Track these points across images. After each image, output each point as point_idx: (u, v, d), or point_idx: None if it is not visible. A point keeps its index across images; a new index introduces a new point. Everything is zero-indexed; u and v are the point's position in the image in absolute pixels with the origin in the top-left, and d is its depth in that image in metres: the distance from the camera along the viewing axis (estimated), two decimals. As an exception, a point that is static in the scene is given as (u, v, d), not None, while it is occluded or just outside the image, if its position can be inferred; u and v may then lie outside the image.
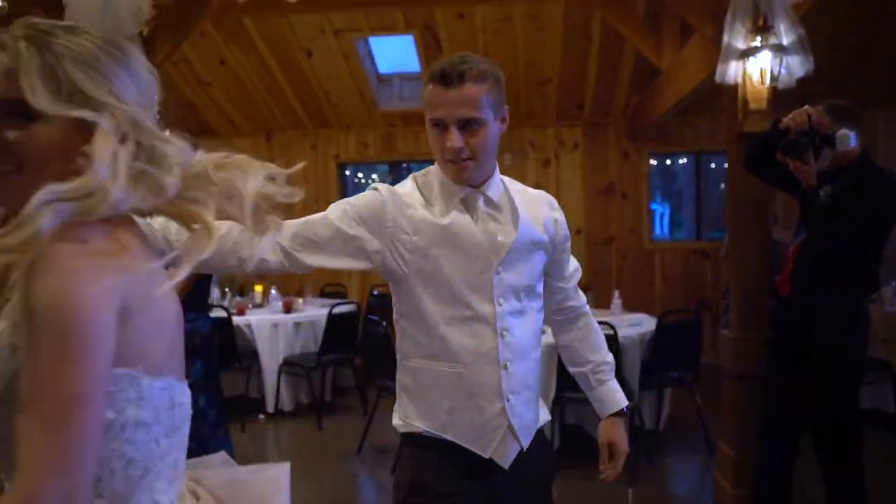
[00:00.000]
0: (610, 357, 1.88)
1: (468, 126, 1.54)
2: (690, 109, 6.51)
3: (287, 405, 5.72)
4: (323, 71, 6.97)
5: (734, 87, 3.56)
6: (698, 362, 4.77)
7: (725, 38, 3.48)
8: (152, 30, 4.00)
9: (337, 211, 1.60)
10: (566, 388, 4.23)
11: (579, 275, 1.86)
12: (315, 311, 5.82)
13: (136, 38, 3.90)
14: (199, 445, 3.16)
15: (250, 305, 5.93)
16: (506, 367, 1.61)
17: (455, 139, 1.53)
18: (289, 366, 5.63)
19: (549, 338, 1.96)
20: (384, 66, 7.59)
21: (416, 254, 1.58)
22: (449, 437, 1.61)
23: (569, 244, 1.80)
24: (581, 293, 1.88)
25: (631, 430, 4.42)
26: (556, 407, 4.40)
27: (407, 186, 1.67)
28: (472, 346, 1.58)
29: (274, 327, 5.65)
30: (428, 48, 6.65)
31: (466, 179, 1.60)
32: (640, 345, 4.60)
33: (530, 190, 1.78)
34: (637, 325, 4.78)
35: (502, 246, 1.61)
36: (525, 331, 1.65)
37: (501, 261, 1.61)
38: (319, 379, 5.85)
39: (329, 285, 7.71)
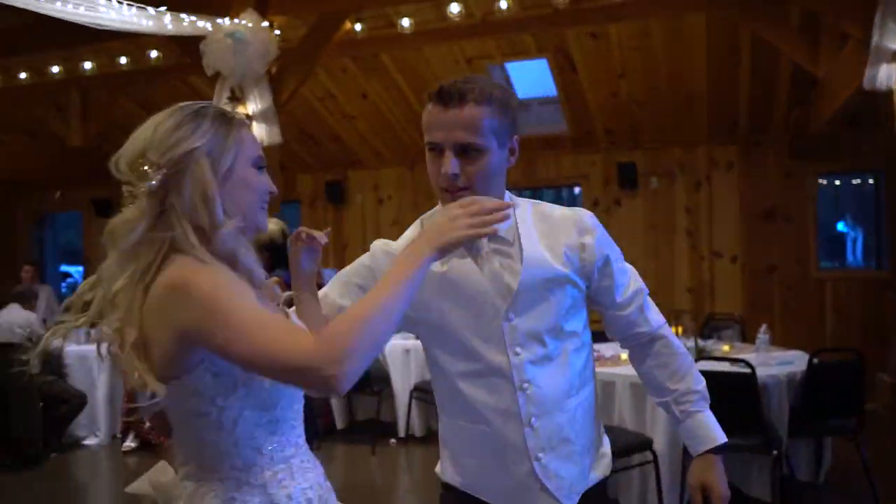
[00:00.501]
0: (700, 385, 1.60)
1: (466, 152, 1.39)
2: (861, 121, 5.82)
3: (418, 431, 5.73)
4: (460, 99, 7.03)
5: (889, 93, 3.11)
6: (862, 409, 4.16)
7: (875, 39, 3.05)
8: (279, 69, 4.24)
9: (336, 285, 1.55)
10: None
11: (642, 296, 1.59)
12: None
13: (265, 78, 4.14)
14: None
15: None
16: (530, 424, 1.44)
17: (450, 165, 1.39)
18: (419, 392, 5.65)
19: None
20: (522, 91, 7.53)
21: (418, 309, 1.44)
22: (484, 498, 1.48)
23: (617, 266, 1.55)
24: (652, 313, 1.60)
25: (780, 480, 3.98)
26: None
27: (409, 232, 1.59)
28: (492, 403, 1.44)
29: (406, 353, 5.71)
30: (562, 71, 6.50)
31: None
32: (789, 386, 4.10)
33: (557, 212, 1.55)
34: (788, 364, 4.27)
35: (508, 290, 1.43)
36: (554, 379, 1.47)
37: (510, 306, 1.43)
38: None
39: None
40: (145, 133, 1.18)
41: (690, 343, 4.77)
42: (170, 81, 6.86)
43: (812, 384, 4.04)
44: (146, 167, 1.15)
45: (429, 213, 1.61)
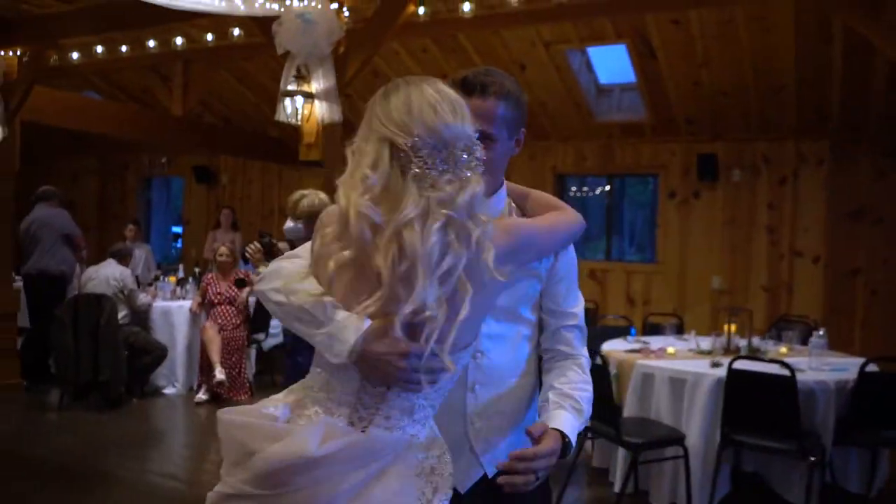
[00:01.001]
0: (586, 406, 1.56)
1: (480, 139, 1.47)
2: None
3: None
4: (537, 83, 7.03)
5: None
6: (921, 422, 3.96)
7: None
8: (345, 49, 4.42)
9: None
10: (739, 431, 3.80)
11: (579, 317, 1.63)
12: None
13: (330, 58, 4.34)
14: None
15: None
16: (473, 390, 1.54)
17: None
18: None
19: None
20: (604, 76, 7.43)
21: None
22: None
23: (574, 282, 1.61)
24: (583, 345, 1.62)
25: (823, 489, 3.86)
26: (729, 451, 3.96)
27: None
28: None
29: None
30: (642, 57, 6.38)
31: None
32: (839, 393, 3.95)
33: None
34: (841, 371, 4.11)
35: None
36: (504, 356, 1.56)
37: None
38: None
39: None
40: None
41: (744, 342, 4.66)
42: (261, 56, 7.20)
43: (862, 392, 3.88)
44: None
45: None
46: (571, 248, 1.65)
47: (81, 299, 5.75)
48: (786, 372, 3.62)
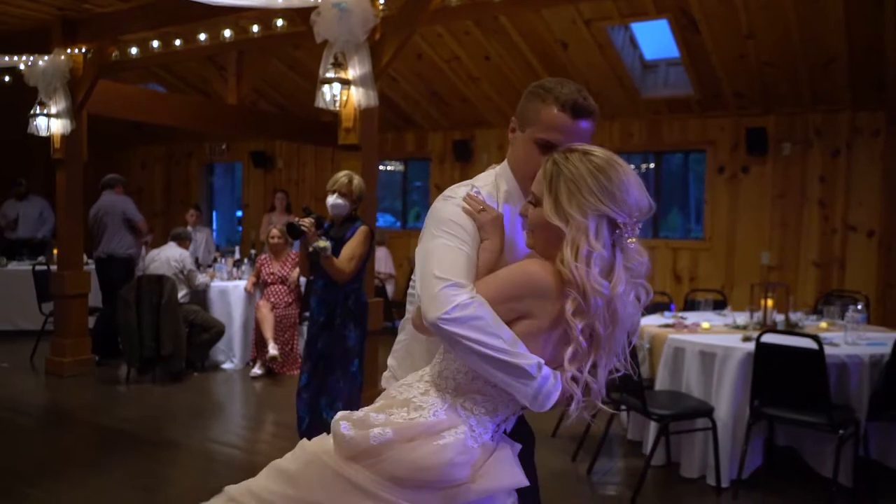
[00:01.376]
0: None
1: (552, 148, 1.62)
2: None
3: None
4: (580, 61, 7.03)
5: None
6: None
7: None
8: (380, 36, 4.56)
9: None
10: (768, 405, 3.82)
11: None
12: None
13: (365, 45, 4.50)
14: (347, 405, 3.62)
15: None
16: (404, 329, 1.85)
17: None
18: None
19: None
20: (650, 52, 7.36)
21: None
22: None
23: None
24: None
25: (858, 463, 3.85)
26: (762, 425, 3.99)
27: (489, 179, 1.77)
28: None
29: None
30: (685, 32, 6.30)
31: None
32: (873, 368, 3.91)
33: None
34: (878, 346, 4.06)
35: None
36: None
37: None
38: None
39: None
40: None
41: (780, 317, 4.64)
42: (309, 44, 7.42)
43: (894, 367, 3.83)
44: None
45: (496, 168, 1.79)
46: None
47: (144, 280, 6.13)
48: (814, 345, 3.62)
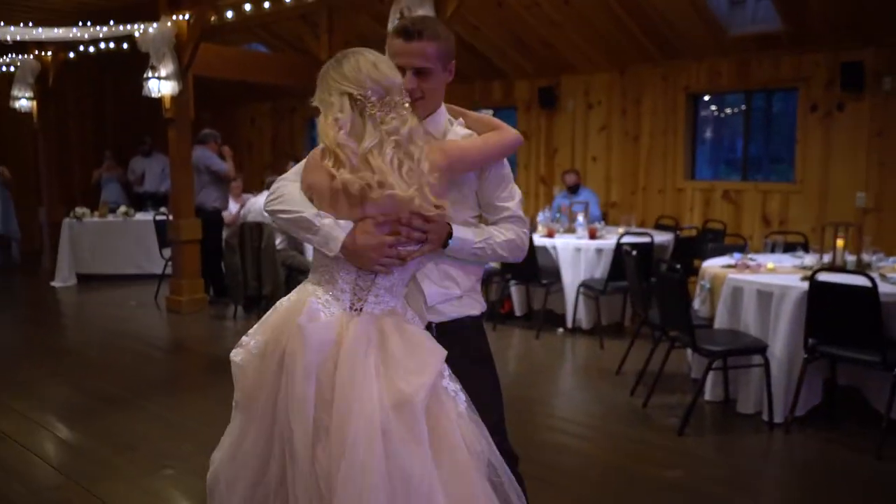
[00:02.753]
0: (490, 234, 1.99)
1: (421, 73, 1.90)
2: None
3: (585, 324, 6.21)
4: (662, 1, 6.89)
5: None
6: None
7: None
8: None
9: None
10: (823, 343, 3.85)
11: (513, 209, 2.04)
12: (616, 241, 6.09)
13: (430, -1, 4.71)
14: None
15: (560, 230, 6.51)
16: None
17: (408, 82, 1.88)
18: (586, 287, 6.09)
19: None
20: (738, -13, 7.09)
21: None
22: None
23: (500, 181, 2.01)
24: (517, 227, 2.05)
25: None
26: (820, 364, 4.01)
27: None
28: None
29: (577, 251, 6.14)
30: (770, -36, 6.04)
31: (418, 116, 1.91)
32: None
33: (462, 131, 1.99)
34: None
35: None
36: None
37: None
38: (617, 302, 6.22)
39: (665, 217, 7.78)
40: None
41: (853, 257, 4.57)
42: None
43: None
44: None
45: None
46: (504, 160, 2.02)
47: (245, 227, 6.73)
48: (867, 283, 3.61)
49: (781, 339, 4.03)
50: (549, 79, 8.87)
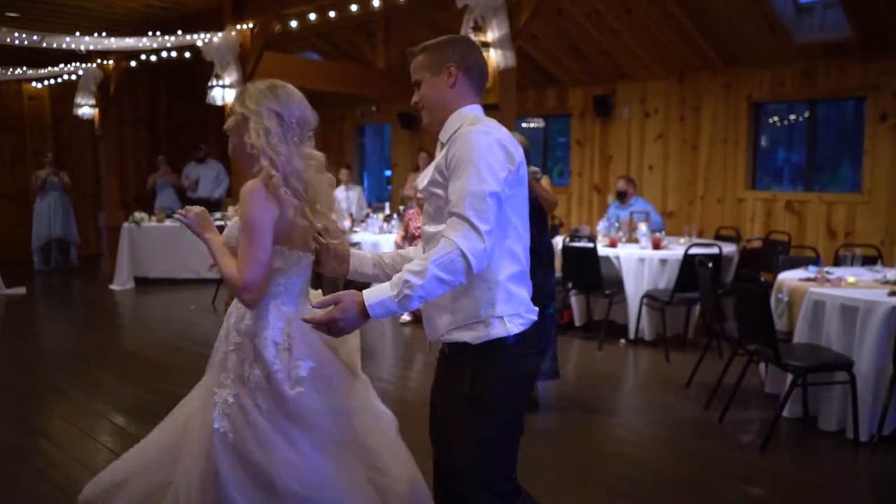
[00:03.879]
0: (408, 277, 1.76)
1: (417, 86, 2.03)
2: None
3: (648, 335, 6.12)
4: (725, 6, 6.80)
5: None
6: None
7: None
8: (518, -3, 4.75)
9: None
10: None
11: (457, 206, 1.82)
12: (681, 251, 6.00)
13: (503, 7, 4.70)
14: (545, 344, 4.06)
15: (623, 239, 6.43)
16: None
17: (414, 96, 2.05)
18: (650, 298, 6.01)
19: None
20: (805, -6, 6.96)
21: None
22: None
23: (455, 172, 1.86)
24: (451, 228, 1.81)
25: None
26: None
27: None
28: None
29: (640, 261, 6.07)
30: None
31: (427, 123, 2.04)
32: None
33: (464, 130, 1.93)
34: None
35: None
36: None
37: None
38: (681, 314, 6.12)
39: (725, 227, 7.64)
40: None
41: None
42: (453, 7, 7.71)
43: None
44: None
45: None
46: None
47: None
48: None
49: (868, 356, 3.91)
50: (604, 86, 8.80)
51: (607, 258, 6.13)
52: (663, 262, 6.06)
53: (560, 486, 3.49)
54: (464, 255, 1.74)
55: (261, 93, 2.03)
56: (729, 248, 6.38)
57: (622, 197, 7.43)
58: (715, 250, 5.72)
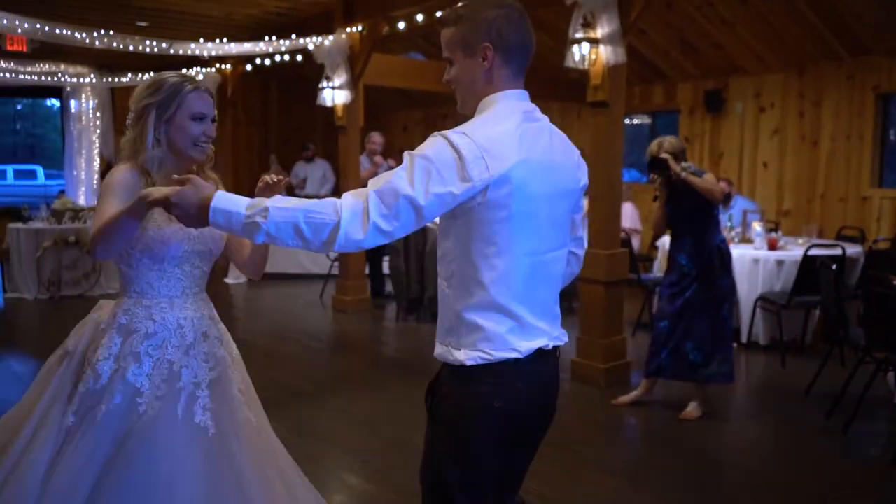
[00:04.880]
0: (276, 210, 1.57)
1: (450, 63, 1.75)
2: None
3: (762, 339, 5.86)
4: (853, -5, 6.41)
5: None
6: None
7: None
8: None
9: None
10: None
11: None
12: (800, 252, 5.70)
13: (614, 3, 4.62)
14: (715, 347, 4.07)
15: (736, 240, 6.18)
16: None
17: (445, 73, 1.76)
18: (765, 301, 5.74)
19: None
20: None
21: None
22: None
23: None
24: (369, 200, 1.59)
25: None
26: None
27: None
28: None
29: (755, 262, 5.81)
30: None
31: (460, 107, 1.78)
32: None
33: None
34: None
35: None
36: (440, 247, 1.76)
37: None
38: (799, 318, 5.83)
39: (848, 227, 7.20)
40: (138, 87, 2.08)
41: None
42: (556, 4, 7.62)
43: None
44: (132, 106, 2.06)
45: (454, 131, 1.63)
46: None
47: (411, 230, 6.91)
48: None
49: None
50: (715, 81, 8.48)
51: (719, 259, 5.90)
52: (780, 262, 5.79)
53: (671, 491, 3.40)
54: (338, 228, 1.50)
55: None
56: (853, 249, 6.01)
57: (725, 200, 7.13)
58: (838, 251, 5.40)
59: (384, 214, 1.52)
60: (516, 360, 1.66)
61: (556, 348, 1.77)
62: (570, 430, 4.18)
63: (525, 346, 1.67)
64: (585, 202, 1.96)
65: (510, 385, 1.67)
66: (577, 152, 1.86)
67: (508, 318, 1.66)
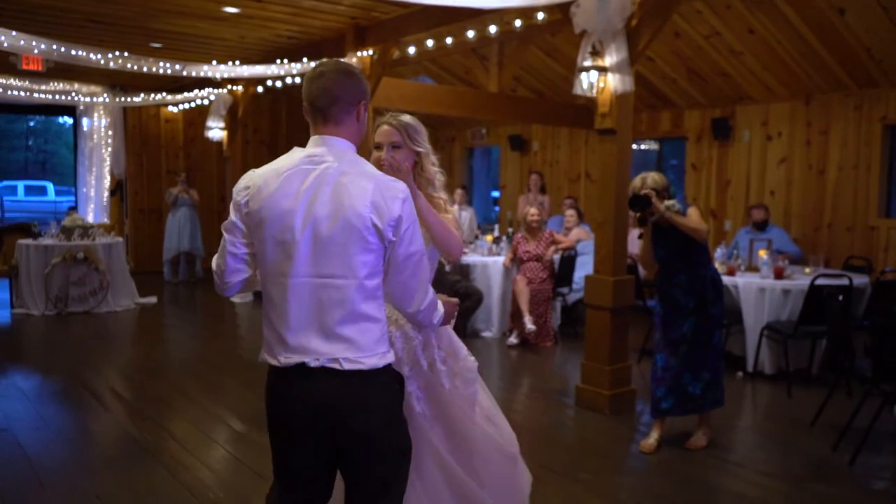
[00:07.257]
0: None
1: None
2: None
3: (768, 368, 5.83)
4: (860, 27, 6.44)
5: None
6: None
7: None
8: (637, 21, 4.70)
9: None
10: None
11: None
12: (806, 281, 5.70)
13: (622, 32, 4.67)
14: (713, 374, 4.06)
15: (742, 268, 6.18)
16: None
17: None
18: (771, 330, 5.72)
19: None
20: (950, 10, 6.49)
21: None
22: None
23: None
24: None
25: None
26: None
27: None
28: None
29: (761, 291, 5.80)
30: None
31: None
32: None
33: None
34: None
35: None
36: None
37: None
38: (805, 348, 5.79)
39: (855, 257, 7.19)
40: None
41: None
42: (567, 31, 7.71)
43: None
44: None
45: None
46: None
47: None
48: None
49: None
50: (722, 109, 8.53)
51: (725, 287, 5.89)
52: (786, 292, 5.77)
53: (675, 521, 3.37)
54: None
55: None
56: (860, 280, 5.99)
57: (762, 226, 7.13)
58: (845, 281, 5.39)
59: (224, 242, 2.05)
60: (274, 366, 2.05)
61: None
62: (575, 457, 4.16)
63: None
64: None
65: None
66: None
67: (271, 329, 2.06)
